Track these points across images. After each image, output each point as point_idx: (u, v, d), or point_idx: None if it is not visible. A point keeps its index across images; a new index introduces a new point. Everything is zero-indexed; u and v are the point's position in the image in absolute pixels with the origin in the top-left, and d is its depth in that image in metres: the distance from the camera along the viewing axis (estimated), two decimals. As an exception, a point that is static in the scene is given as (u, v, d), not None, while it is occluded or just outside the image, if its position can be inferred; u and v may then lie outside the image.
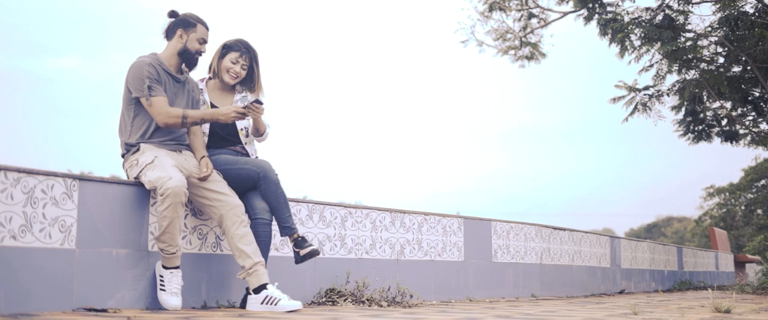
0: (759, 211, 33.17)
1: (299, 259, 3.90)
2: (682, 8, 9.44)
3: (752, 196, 33.39)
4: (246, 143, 4.16)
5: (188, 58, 3.89)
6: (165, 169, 3.56)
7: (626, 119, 9.65)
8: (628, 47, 9.33)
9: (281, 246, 4.37)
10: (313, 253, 3.89)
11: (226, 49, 4.09)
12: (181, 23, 3.86)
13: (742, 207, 33.99)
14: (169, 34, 3.87)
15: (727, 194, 34.14)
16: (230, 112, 3.80)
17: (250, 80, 4.15)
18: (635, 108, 9.63)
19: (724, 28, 9.53)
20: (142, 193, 3.70)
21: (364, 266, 4.87)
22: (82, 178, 3.48)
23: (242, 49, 4.07)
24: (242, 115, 3.83)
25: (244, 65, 4.08)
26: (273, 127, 4.30)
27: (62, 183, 3.37)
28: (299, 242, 3.90)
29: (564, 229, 7.06)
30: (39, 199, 3.25)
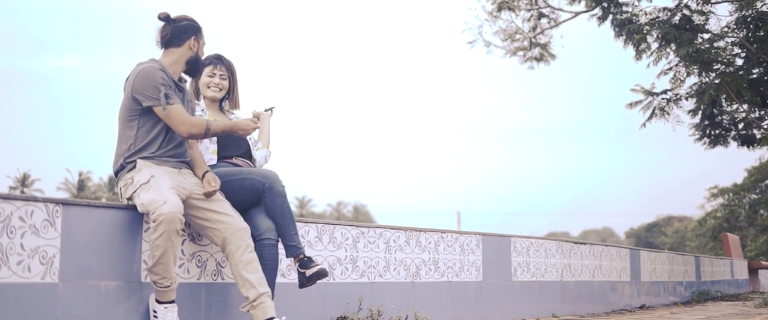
0: (763, 212, 32.81)
1: (305, 281, 3.50)
2: (701, 8, 9.06)
3: (756, 197, 33.00)
4: (258, 149, 3.93)
5: (198, 66, 3.60)
6: (160, 192, 3.17)
7: (644, 124, 9.26)
8: (645, 50, 8.95)
9: (288, 273, 3.98)
10: (321, 274, 3.48)
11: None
12: (191, 29, 3.54)
13: (746, 208, 33.59)
14: (176, 40, 3.51)
15: (731, 195, 33.73)
16: (250, 124, 3.56)
17: (230, 93, 3.93)
18: (653, 113, 9.25)
19: (744, 29, 9.17)
20: (133, 218, 3.31)
21: (377, 290, 4.48)
22: (65, 203, 3.09)
23: (213, 59, 3.86)
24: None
25: (222, 75, 3.86)
26: (272, 154, 4.03)
27: (43, 208, 2.98)
28: (305, 262, 3.50)
29: (585, 243, 6.69)
30: (16, 228, 2.86)
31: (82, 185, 55.29)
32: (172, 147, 3.43)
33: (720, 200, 34.50)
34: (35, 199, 2.97)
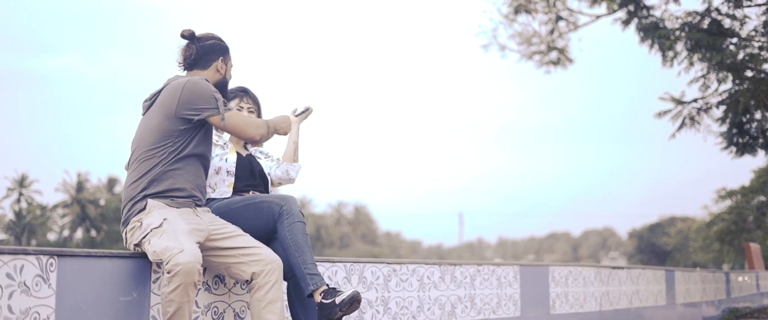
0: (771, 214, 32.32)
1: (336, 310, 2.91)
2: (732, 12, 8.61)
3: (764, 199, 32.50)
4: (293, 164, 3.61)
5: (226, 92, 3.22)
6: (176, 237, 2.73)
7: (673, 135, 8.78)
8: (675, 56, 8.49)
9: None
10: (355, 299, 2.94)
11: None
12: (219, 49, 3.16)
13: (754, 210, 33.10)
14: (202, 62, 3.12)
15: (740, 197, 33.22)
16: (289, 121, 3.24)
17: None
18: (683, 122, 8.78)
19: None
20: (140, 267, 2.86)
21: (410, 333, 4.03)
22: (61, 254, 2.63)
23: (239, 92, 3.51)
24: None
25: (250, 108, 3.49)
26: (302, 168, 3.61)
27: (35, 262, 2.53)
28: (330, 292, 2.99)
29: (622, 268, 6.25)
30: (4, 287, 2.42)
31: (80, 186, 54.80)
32: (194, 180, 2.99)
33: (727, 202, 34.01)
34: (25, 252, 2.52)
